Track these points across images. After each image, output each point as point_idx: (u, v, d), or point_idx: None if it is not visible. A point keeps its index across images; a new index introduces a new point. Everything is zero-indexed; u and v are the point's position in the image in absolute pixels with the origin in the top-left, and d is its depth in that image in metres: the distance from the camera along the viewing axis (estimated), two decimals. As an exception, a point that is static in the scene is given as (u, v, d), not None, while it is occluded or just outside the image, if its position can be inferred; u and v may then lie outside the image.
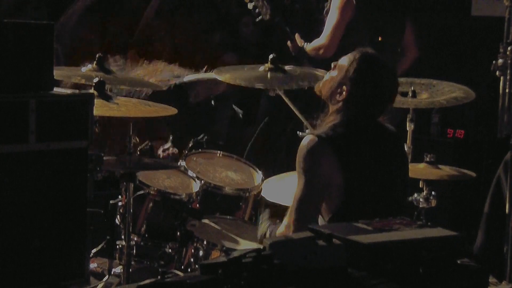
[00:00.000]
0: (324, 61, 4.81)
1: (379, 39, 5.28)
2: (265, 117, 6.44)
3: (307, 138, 3.38)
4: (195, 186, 4.53)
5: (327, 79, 3.55)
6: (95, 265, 4.28)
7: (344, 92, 3.43)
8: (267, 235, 3.61)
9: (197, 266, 4.05)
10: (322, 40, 5.26)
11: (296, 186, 3.39)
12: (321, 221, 3.42)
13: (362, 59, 3.43)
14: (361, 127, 3.45)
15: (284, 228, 3.40)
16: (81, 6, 6.78)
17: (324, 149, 3.33)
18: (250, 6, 5.38)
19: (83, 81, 4.12)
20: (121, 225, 4.14)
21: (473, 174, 4.59)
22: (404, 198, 3.61)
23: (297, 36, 5.44)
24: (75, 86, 4.68)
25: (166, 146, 5.21)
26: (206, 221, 4.34)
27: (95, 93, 3.79)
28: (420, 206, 4.49)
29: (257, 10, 5.37)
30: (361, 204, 3.35)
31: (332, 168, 3.32)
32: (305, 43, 5.38)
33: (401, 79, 4.76)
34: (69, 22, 6.79)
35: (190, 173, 4.59)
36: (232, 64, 5.68)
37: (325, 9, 5.43)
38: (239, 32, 7.22)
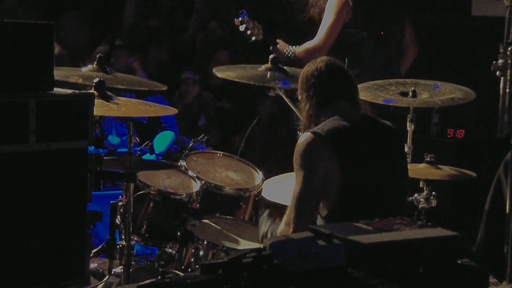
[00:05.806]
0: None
1: (381, 33, 5.27)
2: (270, 118, 6.44)
3: (304, 136, 3.42)
4: (195, 186, 4.53)
5: (302, 117, 3.61)
6: (95, 265, 4.27)
7: (310, 98, 3.52)
8: (268, 235, 3.63)
9: (197, 266, 4.05)
10: (315, 41, 5.23)
11: (295, 184, 3.41)
12: (318, 218, 3.44)
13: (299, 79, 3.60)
14: (355, 121, 3.47)
15: (284, 226, 3.42)
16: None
17: (322, 145, 3.37)
18: (241, 28, 5.39)
19: (80, 81, 4.11)
20: (121, 225, 4.14)
21: (473, 174, 4.59)
22: (403, 195, 3.61)
23: (280, 41, 5.41)
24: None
25: None
26: (206, 221, 4.34)
27: (95, 93, 3.79)
28: (420, 206, 4.49)
29: (248, 32, 5.38)
30: (359, 199, 3.37)
31: (330, 163, 3.35)
32: (294, 46, 5.36)
33: (407, 80, 4.76)
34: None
35: (190, 173, 4.59)
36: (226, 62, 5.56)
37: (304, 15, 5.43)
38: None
